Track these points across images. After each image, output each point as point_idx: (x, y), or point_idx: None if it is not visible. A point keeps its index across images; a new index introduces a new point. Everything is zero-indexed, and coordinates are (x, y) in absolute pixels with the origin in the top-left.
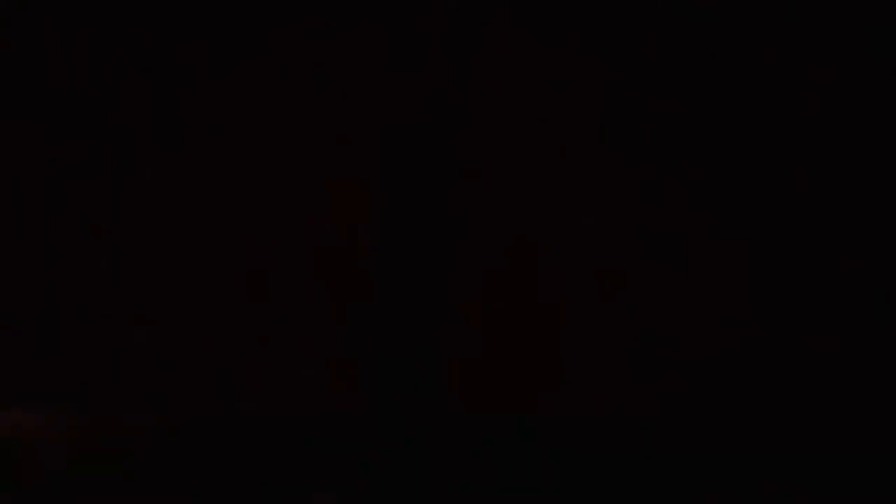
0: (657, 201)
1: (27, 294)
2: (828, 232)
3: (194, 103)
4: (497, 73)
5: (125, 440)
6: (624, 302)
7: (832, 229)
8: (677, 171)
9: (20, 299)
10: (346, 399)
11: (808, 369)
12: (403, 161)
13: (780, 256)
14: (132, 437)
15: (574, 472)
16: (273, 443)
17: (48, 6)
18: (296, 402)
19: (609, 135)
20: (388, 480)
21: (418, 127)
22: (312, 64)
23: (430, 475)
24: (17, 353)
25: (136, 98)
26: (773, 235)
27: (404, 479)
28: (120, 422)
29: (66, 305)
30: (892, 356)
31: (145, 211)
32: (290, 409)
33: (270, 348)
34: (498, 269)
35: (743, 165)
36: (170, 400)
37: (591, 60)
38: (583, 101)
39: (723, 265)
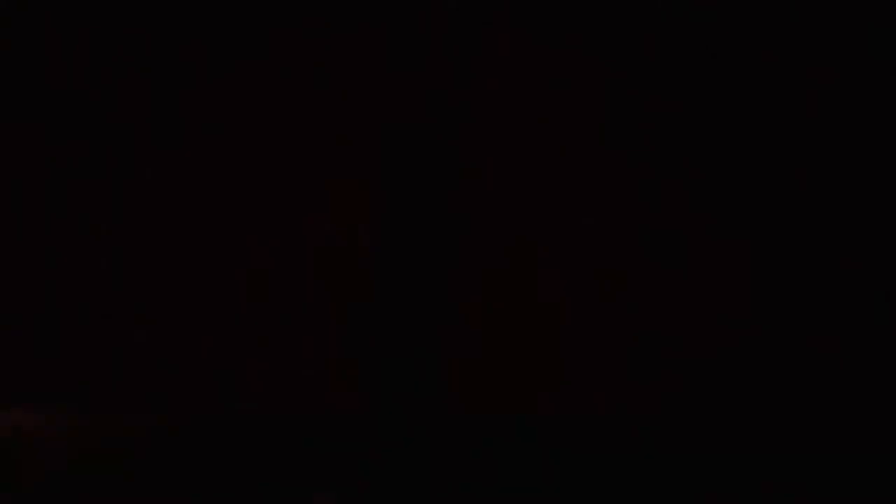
0: (657, 201)
1: (27, 294)
2: (828, 232)
3: (194, 103)
4: (497, 73)
5: (125, 440)
6: (624, 302)
7: (832, 229)
8: (677, 171)
9: (20, 299)
10: (346, 399)
11: (808, 369)
12: (403, 161)
13: (780, 257)
14: (132, 437)
15: (574, 472)
16: (273, 443)
17: (48, 6)
18: (296, 402)
19: (609, 135)
20: (388, 480)
21: (418, 127)
22: (312, 64)
23: (430, 475)
24: (17, 353)
25: (136, 98)
26: (772, 235)
27: (404, 479)
28: (120, 422)
29: (66, 305)
30: (892, 356)
31: (145, 211)
32: (290, 409)
33: (270, 348)
34: (498, 269)
35: (743, 165)
36: (170, 400)
37: (591, 60)
38: (583, 101)
39: (723, 265)
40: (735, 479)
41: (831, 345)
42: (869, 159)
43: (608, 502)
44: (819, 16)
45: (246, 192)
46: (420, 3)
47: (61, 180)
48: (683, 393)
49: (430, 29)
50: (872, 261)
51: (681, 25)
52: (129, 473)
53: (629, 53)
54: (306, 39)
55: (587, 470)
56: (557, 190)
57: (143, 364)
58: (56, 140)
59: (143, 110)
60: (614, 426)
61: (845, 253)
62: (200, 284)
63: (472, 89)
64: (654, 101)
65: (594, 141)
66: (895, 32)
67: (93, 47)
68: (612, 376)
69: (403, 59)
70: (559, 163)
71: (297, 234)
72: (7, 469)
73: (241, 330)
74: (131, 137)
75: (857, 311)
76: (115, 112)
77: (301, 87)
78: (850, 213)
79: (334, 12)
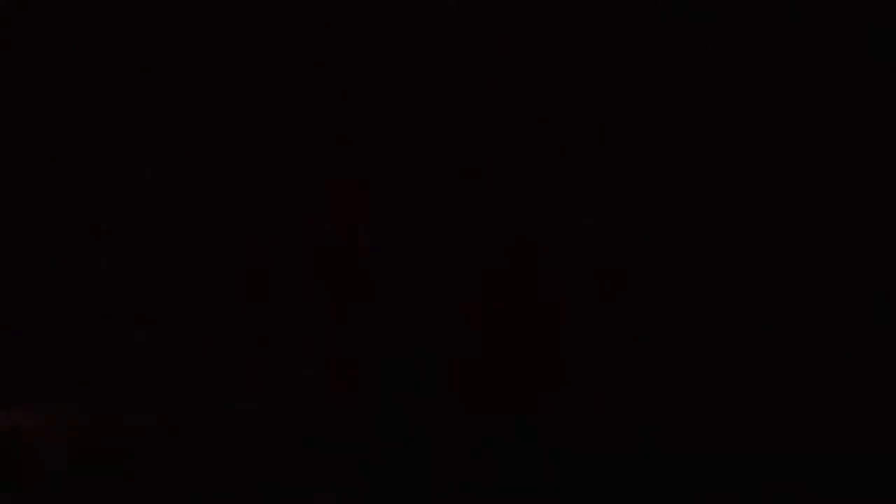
0: (657, 201)
1: (27, 294)
2: (828, 232)
3: (194, 103)
4: (497, 73)
5: (125, 440)
6: (624, 302)
7: (832, 229)
8: (677, 171)
9: (20, 299)
10: (346, 399)
11: (808, 369)
12: (403, 161)
13: (780, 257)
14: (132, 437)
15: (574, 472)
16: (273, 443)
17: (48, 6)
18: (296, 402)
19: (609, 135)
20: (388, 480)
21: (418, 127)
22: (312, 64)
23: (430, 475)
24: (17, 353)
25: (136, 98)
26: (773, 236)
27: (404, 479)
28: (120, 422)
29: (66, 305)
30: (892, 356)
31: (145, 211)
32: (290, 409)
33: (270, 348)
34: (498, 269)
35: (743, 165)
36: (170, 400)
37: (591, 60)
38: (583, 101)
39: (723, 265)
40: (735, 479)
41: (831, 345)
42: (869, 159)
43: (608, 502)
44: (819, 16)
45: (246, 193)
46: (420, 3)
47: (61, 180)
48: (683, 393)
49: (430, 29)
50: (872, 261)
51: (681, 25)
52: (129, 473)
53: (629, 53)
54: (306, 39)
55: (587, 470)
56: (557, 190)
57: (143, 364)
58: (56, 140)
59: (143, 110)
60: (614, 426)
61: (845, 253)
62: (200, 284)
63: (472, 89)
64: (654, 101)
65: (594, 141)
66: (895, 32)
67: (93, 47)
68: (612, 376)
69: (403, 59)
70: (559, 163)
71: (297, 234)
72: (7, 469)
73: (241, 330)
74: (131, 137)
75: (857, 311)
76: (115, 112)
77: (301, 88)
78: (850, 213)
79: (334, 12)
